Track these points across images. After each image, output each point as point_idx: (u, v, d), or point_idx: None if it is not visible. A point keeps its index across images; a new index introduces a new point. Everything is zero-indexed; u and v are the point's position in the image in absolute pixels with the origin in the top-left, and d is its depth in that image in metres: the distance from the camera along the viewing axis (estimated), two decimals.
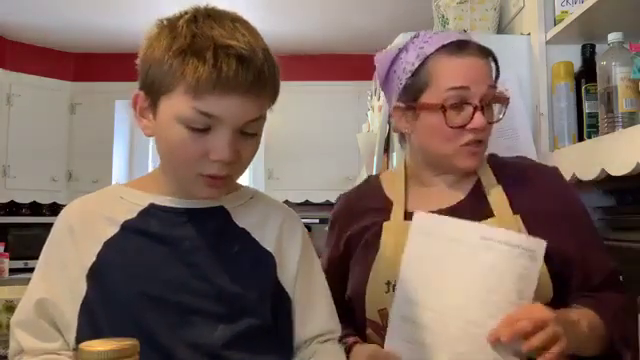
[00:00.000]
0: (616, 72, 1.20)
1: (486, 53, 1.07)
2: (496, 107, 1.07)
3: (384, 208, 1.09)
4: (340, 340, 0.99)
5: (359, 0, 3.43)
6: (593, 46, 1.47)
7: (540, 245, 0.88)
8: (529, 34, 1.63)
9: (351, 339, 1.04)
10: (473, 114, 1.01)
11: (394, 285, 0.98)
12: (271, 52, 0.83)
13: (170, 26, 0.81)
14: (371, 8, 3.51)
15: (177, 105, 0.79)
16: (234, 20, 0.82)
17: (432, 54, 1.03)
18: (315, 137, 4.08)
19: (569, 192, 1.10)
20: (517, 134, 1.54)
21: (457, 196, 1.08)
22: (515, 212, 1.03)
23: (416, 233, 0.94)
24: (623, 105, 1.19)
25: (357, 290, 1.05)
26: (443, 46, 1.03)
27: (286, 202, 4.56)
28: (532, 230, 1.00)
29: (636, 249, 1.31)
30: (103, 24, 3.79)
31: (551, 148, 1.52)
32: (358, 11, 3.57)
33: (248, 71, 0.77)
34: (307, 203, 4.11)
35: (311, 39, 4.04)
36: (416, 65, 1.04)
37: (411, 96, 1.06)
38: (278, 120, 4.13)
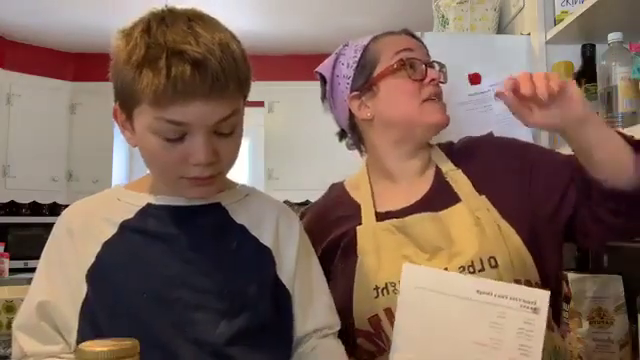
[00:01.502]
0: (616, 72, 1.20)
1: (415, 37, 1.15)
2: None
3: (355, 214, 1.09)
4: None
5: (359, 0, 3.43)
6: (593, 46, 1.47)
7: (542, 296, 0.84)
8: (529, 34, 1.62)
9: None
10: (426, 70, 1.08)
11: (383, 289, 0.99)
12: (232, 44, 0.80)
13: (127, 37, 0.79)
14: (371, 8, 3.51)
15: (146, 117, 0.79)
16: (190, 19, 0.79)
17: (369, 42, 1.12)
18: (315, 137, 4.06)
19: (514, 143, 1.13)
20: (517, 134, 1.54)
21: (422, 188, 1.09)
22: (480, 192, 1.03)
23: (407, 286, 0.92)
24: (623, 105, 1.19)
25: (343, 301, 1.02)
26: (375, 36, 1.13)
27: (286, 202, 4.51)
28: (503, 201, 1.02)
29: (636, 249, 1.31)
30: (103, 24, 3.79)
31: (551, 148, 1.52)
32: (358, 11, 3.57)
33: (206, 74, 0.75)
34: (307, 203, 4.09)
35: (311, 39, 4.03)
36: (358, 56, 1.12)
37: (363, 79, 1.11)
38: (278, 120, 4.13)
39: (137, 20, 0.81)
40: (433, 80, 1.08)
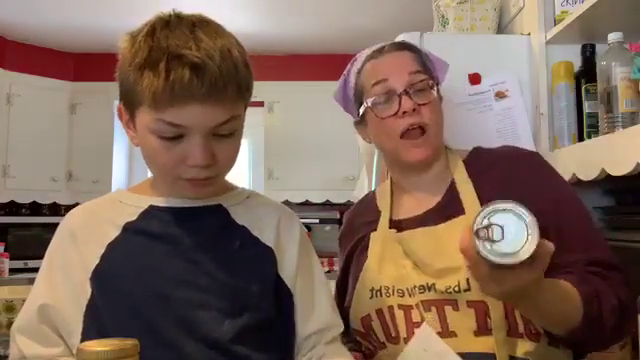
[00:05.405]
0: (616, 72, 1.20)
1: (403, 47, 1.11)
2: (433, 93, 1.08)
3: (375, 220, 1.12)
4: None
5: (359, 0, 3.43)
6: (593, 46, 1.47)
7: None
8: (529, 34, 1.63)
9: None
10: (400, 101, 1.04)
11: (377, 291, 1.02)
12: (234, 50, 0.81)
13: (132, 40, 0.82)
14: (371, 8, 3.51)
15: (146, 118, 0.81)
16: (194, 24, 0.81)
17: (360, 68, 1.12)
18: (315, 137, 4.07)
19: (549, 177, 1.07)
20: (517, 134, 1.54)
21: (433, 200, 1.09)
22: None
23: (417, 345, 0.97)
24: (623, 105, 1.19)
25: (349, 300, 1.08)
26: (367, 57, 1.11)
27: (286, 202, 4.50)
28: None
29: (636, 249, 1.31)
30: (103, 24, 3.79)
31: (551, 148, 1.52)
32: (358, 11, 3.57)
33: (203, 79, 0.76)
34: (307, 203, 4.11)
35: (311, 39, 4.03)
36: (352, 83, 1.13)
37: (357, 109, 1.13)
38: (278, 120, 4.13)
39: (144, 23, 0.83)
40: (405, 112, 1.04)
